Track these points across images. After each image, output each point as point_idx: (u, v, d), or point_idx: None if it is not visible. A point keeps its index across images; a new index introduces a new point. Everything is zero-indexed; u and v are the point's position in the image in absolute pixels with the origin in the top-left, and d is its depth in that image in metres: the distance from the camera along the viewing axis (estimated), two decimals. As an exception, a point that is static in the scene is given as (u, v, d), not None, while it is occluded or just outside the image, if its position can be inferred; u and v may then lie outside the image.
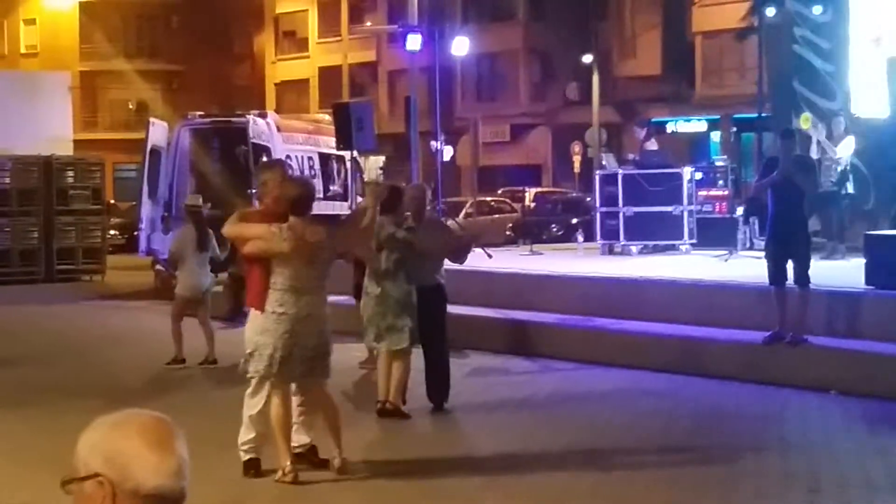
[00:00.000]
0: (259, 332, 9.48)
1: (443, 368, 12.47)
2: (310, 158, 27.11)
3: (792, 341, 13.87)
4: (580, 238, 25.46)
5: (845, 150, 20.08)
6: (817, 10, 23.42)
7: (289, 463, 9.45)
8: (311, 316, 9.48)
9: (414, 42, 27.23)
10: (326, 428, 9.84)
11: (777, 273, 13.95)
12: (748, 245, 21.26)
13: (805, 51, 23.85)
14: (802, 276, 13.85)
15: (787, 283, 13.96)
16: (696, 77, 52.58)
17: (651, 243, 22.31)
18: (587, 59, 51.52)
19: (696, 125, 52.26)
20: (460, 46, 38.53)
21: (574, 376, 14.90)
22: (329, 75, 65.78)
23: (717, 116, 50.52)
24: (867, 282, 15.02)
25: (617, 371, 14.82)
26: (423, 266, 11.96)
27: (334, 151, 26.07)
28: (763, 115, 26.97)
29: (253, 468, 9.76)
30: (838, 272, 16.29)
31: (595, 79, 50.89)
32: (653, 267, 19.05)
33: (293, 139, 26.96)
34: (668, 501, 9.28)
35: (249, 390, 9.82)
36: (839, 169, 19.90)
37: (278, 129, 26.40)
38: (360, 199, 25.42)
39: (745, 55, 44.15)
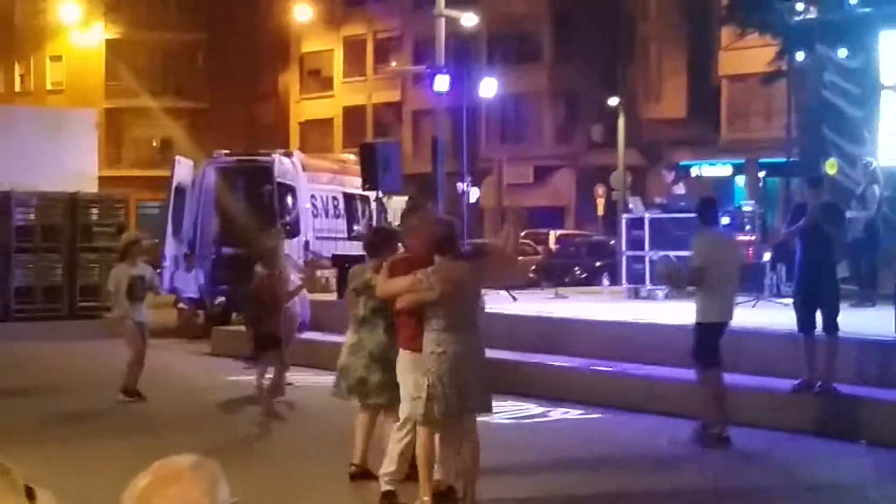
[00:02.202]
0: (422, 373, 9.48)
1: None
2: (334, 198, 27.11)
3: (820, 390, 13.71)
4: (605, 281, 25.36)
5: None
6: (842, 53, 23.33)
7: (428, 497, 9.56)
8: (469, 352, 9.52)
9: (442, 83, 27.22)
10: (461, 466, 9.83)
11: (805, 321, 13.80)
12: (775, 291, 21.06)
13: (834, 96, 23.76)
14: (831, 324, 13.70)
15: (816, 331, 13.81)
16: (722, 121, 52.48)
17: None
18: (612, 101, 51.49)
19: (722, 169, 52.09)
20: (488, 88, 38.58)
21: (600, 422, 14.76)
22: (353, 115, 65.89)
23: (743, 160, 50.35)
24: (897, 330, 14.87)
25: (643, 417, 14.66)
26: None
27: (359, 192, 26.05)
28: (791, 159, 26.84)
29: (389, 499, 10.01)
30: (868, 320, 16.12)
31: (621, 121, 50.87)
32: (679, 312, 18.88)
33: (318, 178, 26.98)
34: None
35: (397, 424, 9.97)
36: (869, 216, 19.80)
37: (303, 169, 26.42)
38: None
39: (772, 99, 44.00)
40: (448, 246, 9.64)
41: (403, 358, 9.93)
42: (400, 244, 10.80)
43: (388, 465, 10.05)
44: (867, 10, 22.61)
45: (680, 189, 24.33)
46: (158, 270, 25.93)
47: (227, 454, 11.88)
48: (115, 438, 13.40)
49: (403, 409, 9.87)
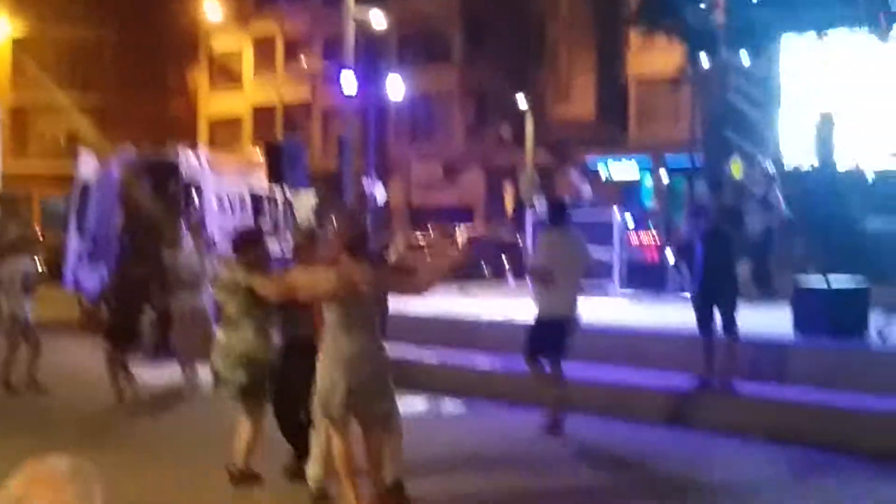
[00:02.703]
0: (319, 372, 9.41)
1: (294, 431, 10.88)
2: (241, 197, 26.97)
3: (719, 388, 13.90)
4: (511, 280, 25.44)
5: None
6: (745, 57, 23.67)
7: (354, 500, 9.46)
8: (363, 354, 9.34)
9: (349, 83, 27.17)
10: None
11: (704, 321, 14.01)
12: (679, 290, 21.30)
13: (737, 99, 24.09)
14: (730, 324, 13.92)
15: (715, 330, 14.01)
16: (630, 121, 52.90)
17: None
18: (522, 101, 51.69)
19: (629, 169, 52.51)
20: (395, 88, 38.57)
21: (502, 417, 14.82)
22: (263, 112, 65.64)
23: (650, 161, 50.81)
24: (795, 330, 15.13)
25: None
26: (301, 314, 10.54)
27: (266, 190, 25.94)
28: (695, 161, 27.17)
29: (317, 501, 10.02)
30: (766, 320, 16.37)
31: (529, 121, 51.07)
32: (583, 310, 19.03)
33: (225, 177, 26.81)
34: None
35: (316, 426, 9.99)
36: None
37: (210, 167, 26.25)
38: (289, 237, 25.38)
39: (679, 101, 44.42)
40: (356, 246, 9.62)
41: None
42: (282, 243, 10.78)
43: (310, 468, 10.08)
44: (768, 13, 22.94)
45: (587, 188, 24.48)
46: (62, 266, 25.77)
47: (115, 452, 11.86)
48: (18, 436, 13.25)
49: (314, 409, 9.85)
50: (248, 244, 10.94)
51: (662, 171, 49.90)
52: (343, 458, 9.46)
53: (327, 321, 9.41)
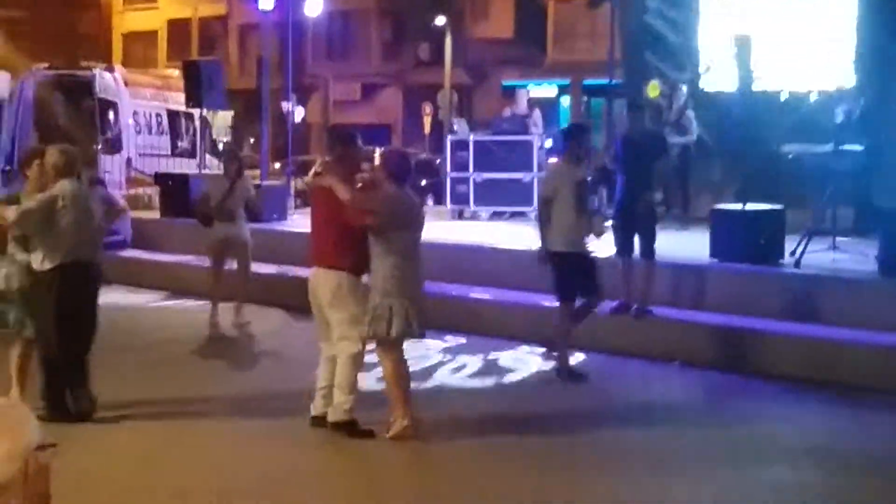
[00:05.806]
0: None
1: (73, 371, 10.45)
2: (158, 115, 26.72)
3: (637, 312, 14.05)
4: (429, 201, 25.45)
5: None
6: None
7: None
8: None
9: (266, 1, 26.92)
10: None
11: (623, 245, 14.12)
12: (597, 213, 21.37)
13: (657, 21, 24.10)
14: (648, 248, 14.03)
15: (634, 254, 14.13)
16: (548, 41, 52.77)
17: (500, 209, 22.41)
18: (440, 20, 51.45)
19: (547, 90, 52.44)
20: (313, 5, 38.07)
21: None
22: (178, 28, 64.66)
23: (568, 81, 50.77)
24: (711, 254, 15.30)
25: (459, 336, 14.80)
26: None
27: (183, 108, 25.69)
28: (613, 82, 27.10)
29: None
30: (683, 244, 16.52)
31: (447, 40, 50.86)
32: (500, 234, 19.13)
33: (141, 94, 26.53)
34: (503, 473, 9.16)
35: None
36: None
37: (126, 84, 25.94)
38: (207, 156, 25.21)
39: (598, 21, 44.31)
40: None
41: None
42: None
43: (339, 396, 10.13)
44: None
45: (507, 111, 24.42)
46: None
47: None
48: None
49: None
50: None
51: (581, 93, 49.95)
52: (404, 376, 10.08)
53: (382, 247, 9.78)
